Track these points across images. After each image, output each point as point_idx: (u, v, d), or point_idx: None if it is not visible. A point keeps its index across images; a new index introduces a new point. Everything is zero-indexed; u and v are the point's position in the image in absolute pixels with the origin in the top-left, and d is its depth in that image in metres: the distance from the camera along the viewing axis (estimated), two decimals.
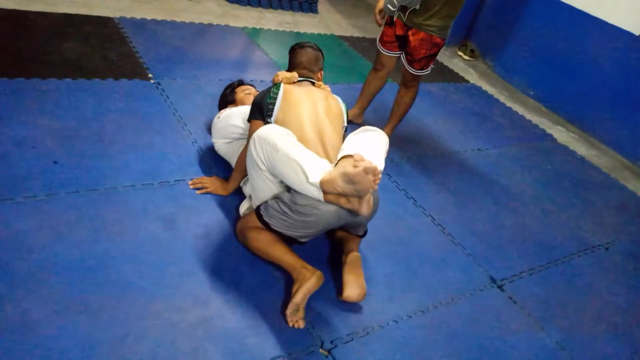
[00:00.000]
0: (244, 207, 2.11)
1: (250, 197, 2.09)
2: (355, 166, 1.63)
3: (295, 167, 1.73)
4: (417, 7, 2.60)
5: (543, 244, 2.65)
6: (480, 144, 3.52)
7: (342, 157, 1.77)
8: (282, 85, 2.07)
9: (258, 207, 1.91)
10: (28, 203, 1.89)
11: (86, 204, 1.96)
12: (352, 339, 1.78)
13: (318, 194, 1.71)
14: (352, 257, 1.92)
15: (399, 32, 2.79)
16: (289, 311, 1.73)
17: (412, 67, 2.82)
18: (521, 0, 4.72)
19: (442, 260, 2.30)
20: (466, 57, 5.25)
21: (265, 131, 1.83)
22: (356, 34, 4.91)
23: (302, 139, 1.89)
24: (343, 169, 1.65)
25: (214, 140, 2.39)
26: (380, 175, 1.66)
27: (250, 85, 2.64)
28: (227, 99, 2.57)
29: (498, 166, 3.32)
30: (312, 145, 1.90)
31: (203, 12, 4.21)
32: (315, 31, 4.63)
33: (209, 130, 2.61)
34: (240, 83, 2.62)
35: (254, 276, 1.90)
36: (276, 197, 1.86)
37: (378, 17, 2.89)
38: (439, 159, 3.18)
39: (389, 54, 2.91)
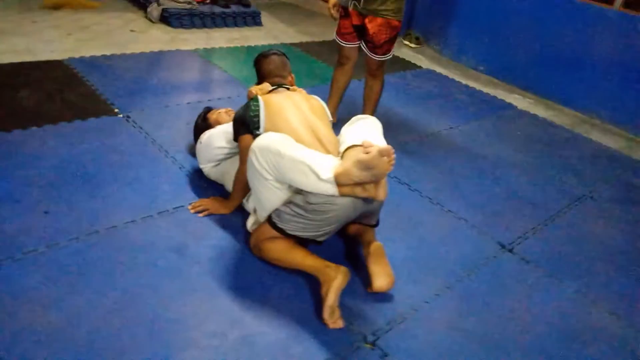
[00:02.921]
0: (250, 222, 2.07)
1: (254, 211, 2.06)
2: (367, 152, 1.63)
3: (303, 168, 1.71)
4: None
5: (535, 203, 2.74)
6: (451, 123, 3.61)
7: (348, 148, 1.77)
8: (259, 97, 2.05)
9: (269, 216, 1.88)
10: (29, 258, 1.78)
11: (90, 248, 1.87)
12: (392, 328, 1.77)
13: (332, 190, 1.70)
14: (375, 247, 1.92)
15: (356, 22, 2.83)
16: (325, 315, 1.70)
17: (376, 54, 2.87)
18: None
19: (450, 237, 2.34)
20: (412, 45, 5.39)
21: (264, 140, 1.80)
22: (304, 39, 4.94)
23: (298, 141, 1.88)
24: (355, 157, 1.65)
25: (201, 166, 2.33)
26: (394, 155, 1.66)
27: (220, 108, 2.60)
28: (201, 127, 2.49)
29: (473, 140, 3.41)
30: (310, 144, 1.89)
31: (150, 41, 4.12)
32: (265, 42, 4.62)
33: (192, 153, 2.55)
34: (209, 109, 2.57)
35: (280, 286, 1.86)
36: (287, 202, 1.83)
37: (333, 11, 2.92)
38: (419, 142, 3.24)
39: (351, 45, 2.94)
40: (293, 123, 1.96)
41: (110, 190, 2.19)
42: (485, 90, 4.45)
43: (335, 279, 1.73)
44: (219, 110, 2.49)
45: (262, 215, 1.96)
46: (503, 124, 3.80)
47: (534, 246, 2.37)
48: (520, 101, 4.34)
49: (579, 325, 1.94)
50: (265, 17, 5.30)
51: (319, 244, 1.92)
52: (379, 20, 2.73)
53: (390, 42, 2.84)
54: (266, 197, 1.88)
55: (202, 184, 2.36)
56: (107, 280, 1.74)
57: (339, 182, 1.67)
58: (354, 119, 2.01)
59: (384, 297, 1.90)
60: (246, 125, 2.01)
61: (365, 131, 1.87)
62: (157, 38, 4.22)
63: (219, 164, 2.27)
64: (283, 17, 5.59)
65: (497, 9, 4.63)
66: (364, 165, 1.62)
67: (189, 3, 4.64)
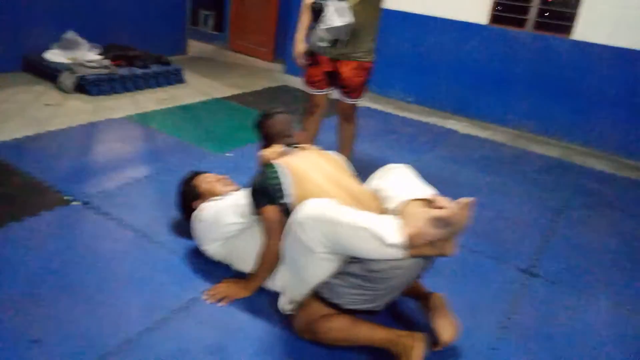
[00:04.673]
0: (286, 304, 1.82)
1: (283, 289, 1.83)
2: (443, 207, 1.50)
3: (365, 235, 1.52)
4: (346, 38, 2.58)
5: (526, 222, 2.79)
6: (412, 156, 3.62)
7: (407, 204, 1.62)
8: (276, 163, 1.85)
9: (317, 293, 1.65)
10: None
11: None
12: None
13: (399, 253, 1.53)
14: (437, 299, 1.77)
15: (327, 68, 2.73)
16: None
17: (351, 98, 2.80)
18: None
19: (474, 272, 2.26)
20: None
21: (312, 209, 1.59)
22: (235, 92, 4.76)
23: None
24: (429, 214, 1.50)
25: (205, 247, 2.03)
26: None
27: (205, 172, 2.31)
28: (190, 197, 2.20)
29: (441, 169, 3.44)
30: (349, 204, 1.71)
31: (72, 113, 3.67)
32: (197, 99, 4.37)
33: (179, 233, 2.24)
34: (194, 174, 2.28)
35: None
36: (338, 274, 1.63)
37: (302, 59, 2.80)
38: None
39: (322, 93, 2.83)
40: (323, 185, 1.77)
41: (102, 298, 1.81)
42: (423, 119, 4.57)
43: (414, 348, 1.55)
44: (208, 179, 2.21)
45: (302, 293, 1.73)
46: (455, 149, 3.90)
47: (550, 265, 2.38)
48: (457, 125, 4.52)
49: (637, 340, 1.94)
50: (185, 74, 5.03)
51: (375, 315, 1.72)
52: (353, 63, 2.66)
53: (365, 84, 2.78)
54: (312, 273, 1.66)
55: (205, 267, 2.05)
56: None
57: (412, 243, 1.51)
58: (385, 168, 1.88)
59: (453, 351, 1.75)
60: (268, 195, 1.79)
61: (412, 182, 1.74)
62: (78, 109, 3.78)
63: (226, 241, 1.99)
64: (204, 72, 5.36)
65: (420, 41, 4.83)
66: (443, 223, 1.48)
67: (106, 67, 4.25)
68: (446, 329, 1.71)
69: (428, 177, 3.18)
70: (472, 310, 1.99)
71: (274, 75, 5.63)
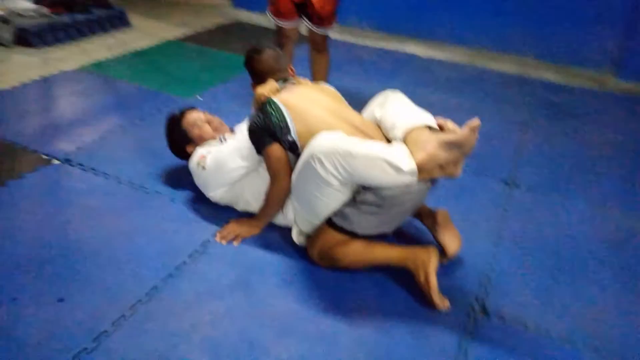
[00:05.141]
0: (299, 235, 1.88)
1: (295, 221, 1.88)
2: (453, 130, 1.56)
3: (381, 164, 1.56)
4: None
5: (500, 137, 2.94)
6: (379, 84, 3.60)
7: (412, 130, 1.66)
8: (275, 100, 1.84)
9: (332, 222, 1.71)
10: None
11: (144, 321, 1.53)
12: (488, 292, 1.77)
13: (413, 178, 1.58)
14: (442, 215, 1.87)
15: None
16: (436, 299, 1.64)
17: (323, 27, 2.75)
18: None
19: (463, 189, 2.38)
20: None
21: (326, 143, 1.60)
22: (187, 32, 4.54)
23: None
24: (440, 139, 1.55)
25: (211, 194, 2.02)
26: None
27: (190, 110, 2.24)
28: (183, 142, 2.16)
29: (409, 94, 3.40)
30: (353, 135, 1.74)
31: (19, 69, 3.41)
32: (149, 43, 4.14)
33: (172, 179, 2.23)
34: (180, 116, 2.21)
35: (368, 289, 1.74)
36: (352, 203, 1.68)
37: None
38: None
39: (291, 24, 2.77)
40: (326, 118, 1.78)
41: (114, 253, 1.80)
42: (382, 46, 4.57)
43: (430, 261, 1.66)
44: (199, 123, 2.14)
45: (314, 224, 1.79)
46: (419, 73, 3.96)
47: (528, 175, 2.54)
48: (416, 49, 4.54)
49: (613, 232, 2.15)
50: (129, 16, 4.72)
51: (387, 236, 1.82)
52: None
53: (335, 11, 2.73)
54: (325, 204, 1.70)
55: (207, 210, 2.06)
56: (187, 339, 1.45)
57: (424, 168, 1.56)
58: (381, 96, 1.91)
59: (455, 261, 1.89)
60: (271, 133, 1.79)
61: (411, 109, 1.78)
62: (25, 64, 3.51)
63: (233, 185, 1.99)
64: (148, 13, 5.04)
65: None
66: (454, 145, 1.53)
67: (44, 15, 3.93)
68: (452, 242, 1.84)
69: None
70: (468, 223, 2.12)
71: (223, 11, 5.38)
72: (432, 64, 4.20)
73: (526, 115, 3.27)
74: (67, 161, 2.33)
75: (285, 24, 2.76)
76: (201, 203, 2.09)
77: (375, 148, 1.59)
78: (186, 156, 2.15)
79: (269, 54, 2.02)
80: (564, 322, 1.66)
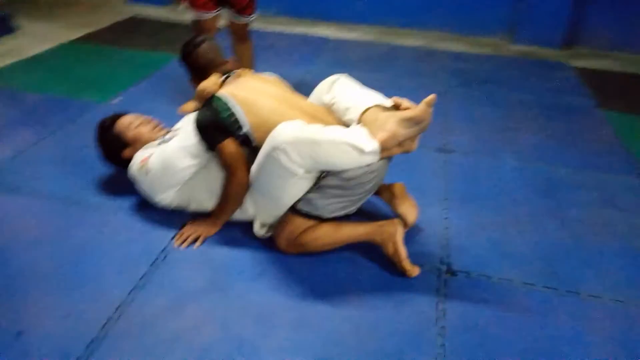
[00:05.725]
0: (261, 228, 1.85)
1: (256, 216, 1.85)
2: (410, 107, 1.60)
3: (345, 148, 1.57)
4: None
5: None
6: (301, 69, 3.66)
7: (365, 111, 1.68)
8: (222, 95, 1.78)
9: (296, 209, 1.70)
10: None
11: (124, 329, 1.44)
12: (450, 253, 1.87)
13: (375, 158, 1.61)
14: (398, 187, 1.94)
15: None
16: (407, 267, 1.71)
17: (245, 15, 2.70)
18: None
19: (404, 161, 2.48)
20: None
21: (289, 133, 1.58)
22: (88, 31, 4.22)
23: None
24: (398, 117, 1.58)
25: (159, 197, 1.90)
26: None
27: (122, 114, 2.10)
28: (117, 148, 2.01)
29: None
30: (311, 123, 1.73)
31: None
32: (44, 47, 3.79)
33: (108, 191, 2.09)
34: (112, 121, 2.06)
35: (341, 269, 1.76)
36: (317, 188, 1.68)
37: None
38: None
39: (212, 14, 2.68)
40: (277, 108, 1.75)
41: (69, 277, 1.66)
42: (293, 30, 4.56)
43: (396, 233, 1.72)
44: (133, 125, 2.01)
45: (277, 215, 1.77)
46: (336, 55, 4.02)
47: (458, 140, 2.70)
48: (326, 31, 4.59)
49: (544, 182, 2.35)
50: (15, 20, 4.28)
51: (350, 215, 1.84)
52: None
53: None
54: (288, 194, 1.69)
55: (156, 216, 1.95)
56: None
57: (385, 147, 1.59)
58: (327, 81, 1.91)
59: (414, 228, 1.97)
60: (222, 129, 1.73)
61: (360, 91, 1.80)
62: None
63: (183, 186, 1.89)
64: (33, 15, 4.60)
65: None
66: (413, 122, 1.57)
67: None
68: (410, 211, 1.92)
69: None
70: (417, 192, 2.20)
71: (117, 8, 5.05)
72: (344, 45, 4.27)
73: (443, 85, 3.44)
74: None
75: (205, 16, 2.66)
76: (149, 210, 1.98)
77: (338, 133, 1.60)
78: (123, 162, 2.01)
79: (207, 47, 1.95)
80: (519, 268, 1.80)
